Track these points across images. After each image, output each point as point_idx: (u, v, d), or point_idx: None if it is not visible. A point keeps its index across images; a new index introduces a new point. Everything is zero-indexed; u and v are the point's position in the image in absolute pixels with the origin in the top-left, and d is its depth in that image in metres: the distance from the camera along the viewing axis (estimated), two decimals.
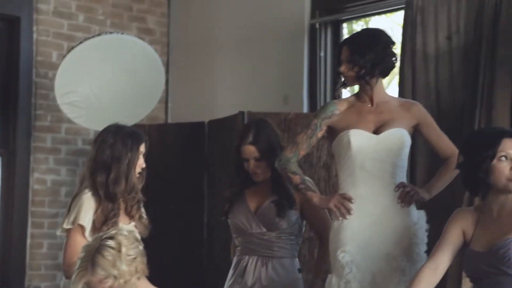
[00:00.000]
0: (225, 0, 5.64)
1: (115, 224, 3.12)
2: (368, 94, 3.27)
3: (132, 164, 3.23)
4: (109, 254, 2.53)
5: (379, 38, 3.23)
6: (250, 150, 3.43)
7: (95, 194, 3.18)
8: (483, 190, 2.81)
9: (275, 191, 3.44)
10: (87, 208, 3.17)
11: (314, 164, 4.51)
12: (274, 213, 3.42)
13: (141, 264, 2.61)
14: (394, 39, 3.32)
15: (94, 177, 3.20)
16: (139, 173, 3.28)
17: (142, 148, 3.27)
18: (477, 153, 2.76)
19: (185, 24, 5.90)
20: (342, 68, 3.25)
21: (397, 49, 3.32)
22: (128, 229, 2.75)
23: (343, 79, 3.32)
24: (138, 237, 2.73)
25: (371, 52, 3.18)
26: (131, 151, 3.22)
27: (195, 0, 5.87)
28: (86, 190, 3.20)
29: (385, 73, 3.27)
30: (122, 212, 3.24)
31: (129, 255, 2.56)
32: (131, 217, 3.29)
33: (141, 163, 3.28)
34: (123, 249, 2.55)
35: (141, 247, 2.65)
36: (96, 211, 3.18)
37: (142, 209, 3.33)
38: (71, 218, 3.16)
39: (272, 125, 3.54)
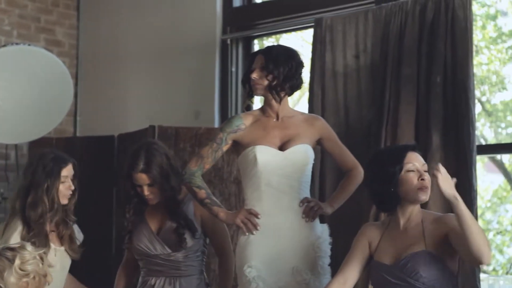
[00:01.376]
0: (136, 14, 5.60)
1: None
2: (273, 108, 3.30)
3: (52, 188, 3.27)
4: (1, 263, 2.57)
5: (295, 55, 3.31)
6: (142, 178, 3.41)
7: (19, 218, 3.30)
8: (393, 204, 2.90)
9: (171, 216, 3.43)
10: (13, 231, 3.28)
11: (225, 179, 4.52)
12: (179, 241, 3.41)
13: (37, 283, 2.61)
14: (303, 57, 3.40)
15: (16, 202, 3.33)
16: (71, 194, 3.41)
17: (66, 172, 3.36)
18: (386, 168, 2.86)
19: (95, 36, 5.82)
20: (254, 75, 3.28)
21: (305, 67, 3.37)
22: (35, 248, 2.75)
23: (252, 89, 3.35)
24: (45, 258, 2.73)
25: (285, 65, 3.24)
26: (51, 176, 3.28)
27: (105, 13, 5.80)
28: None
29: (293, 90, 3.32)
30: (54, 234, 3.37)
31: (22, 270, 2.59)
32: (61, 239, 3.39)
33: (67, 186, 3.33)
34: (17, 262, 2.59)
35: (46, 268, 2.65)
36: (22, 234, 3.28)
37: (76, 232, 3.37)
38: (2, 241, 3.26)
39: (162, 147, 3.51)
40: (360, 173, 3.31)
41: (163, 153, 3.47)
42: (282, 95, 3.29)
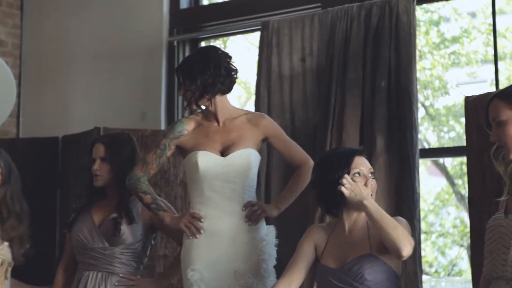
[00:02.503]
0: (81, 14, 5.54)
1: None
2: (213, 113, 3.29)
3: None
4: None
5: (208, 59, 3.23)
6: (99, 148, 3.42)
7: None
8: (338, 208, 2.92)
9: (117, 207, 3.41)
10: None
11: (171, 182, 4.50)
12: (113, 229, 3.39)
13: None
14: (240, 57, 3.34)
15: None
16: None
17: None
18: (333, 171, 2.87)
19: (39, 36, 5.73)
20: (179, 92, 3.30)
21: (235, 63, 3.29)
22: None
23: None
24: None
25: (201, 76, 3.19)
26: None
27: (50, 12, 5.72)
28: None
29: (225, 91, 3.27)
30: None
31: None
32: (4, 236, 3.41)
33: None
34: None
35: None
36: None
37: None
38: None
39: (135, 143, 3.51)
40: (311, 168, 3.26)
41: (132, 145, 3.47)
42: (214, 101, 3.26)
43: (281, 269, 3.08)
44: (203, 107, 3.31)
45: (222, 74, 3.23)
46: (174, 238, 3.52)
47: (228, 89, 3.29)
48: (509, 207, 2.58)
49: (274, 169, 4.29)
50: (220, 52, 3.29)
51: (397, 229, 2.71)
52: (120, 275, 3.36)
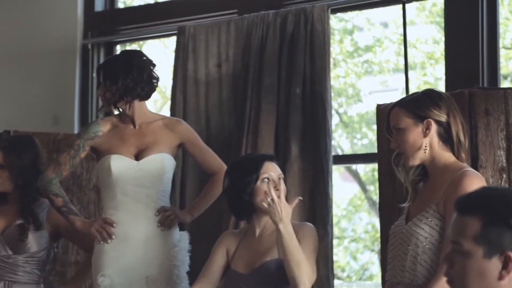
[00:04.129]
0: None
1: None
2: (129, 116, 3.27)
3: None
4: None
5: (132, 63, 3.21)
6: None
7: None
8: (248, 213, 2.93)
9: (21, 213, 3.33)
10: None
11: (84, 186, 4.42)
12: (19, 236, 3.30)
13: None
14: (157, 61, 3.33)
15: None
16: None
17: None
18: (242, 177, 2.89)
19: None
20: (98, 91, 3.26)
21: (158, 70, 3.31)
22: None
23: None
24: None
25: (123, 79, 3.18)
26: None
27: None
28: None
29: (143, 97, 3.26)
30: None
31: None
32: None
33: None
34: None
35: None
36: None
37: None
38: None
39: (38, 146, 3.41)
40: None
41: (35, 148, 3.36)
42: (133, 105, 3.24)
43: (195, 275, 3.07)
44: (119, 109, 3.28)
45: (144, 80, 3.22)
46: (81, 244, 3.46)
47: (147, 95, 3.27)
48: (411, 213, 2.66)
49: (189, 174, 4.28)
50: (144, 58, 3.28)
51: (300, 266, 2.72)
52: None
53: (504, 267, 1.73)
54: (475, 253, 1.72)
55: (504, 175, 3.04)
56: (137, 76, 3.20)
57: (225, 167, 3.26)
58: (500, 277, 1.74)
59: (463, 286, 1.75)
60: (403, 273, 2.55)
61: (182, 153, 4.17)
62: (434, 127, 2.60)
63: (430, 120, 2.60)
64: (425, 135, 2.60)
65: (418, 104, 2.63)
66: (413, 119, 2.61)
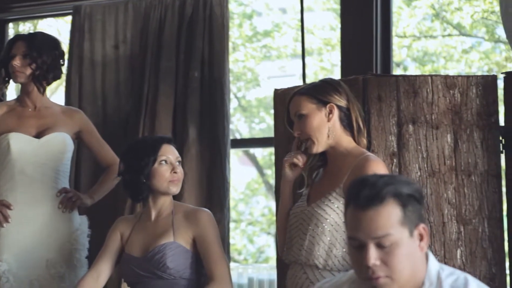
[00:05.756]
0: None
1: None
2: (32, 98, 3.22)
3: None
4: None
5: (58, 44, 3.26)
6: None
7: None
8: (144, 195, 2.92)
9: None
10: None
11: None
12: None
13: None
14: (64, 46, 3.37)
15: None
16: None
17: None
18: (140, 158, 2.87)
19: None
20: (16, 62, 3.18)
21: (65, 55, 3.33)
22: None
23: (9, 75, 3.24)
24: None
25: (49, 54, 3.18)
26: None
27: None
28: None
29: (54, 79, 3.27)
30: None
31: None
32: None
33: None
34: None
35: None
36: None
37: None
38: None
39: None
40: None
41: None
42: (45, 84, 3.21)
43: (91, 260, 3.04)
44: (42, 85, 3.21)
45: (61, 64, 3.27)
46: None
47: (55, 80, 3.27)
48: (311, 196, 2.70)
49: (85, 158, 4.21)
50: (62, 45, 3.31)
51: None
52: None
53: (421, 239, 1.83)
54: (403, 237, 1.79)
55: (395, 160, 3.14)
56: (59, 58, 3.23)
57: (118, 160, 3.26)
58: (421, 250, 1.83)
59: (400, 275, 1.79)
60: (301, 252, 2.60)
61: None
62: (336, 112, 2.65)
63: (333, 104, 2.64)
64: (328, 119, 2.64)
65: (319, 90, 2.67)
66: (315, 104, 2.65)
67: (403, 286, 1.80)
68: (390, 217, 1.77)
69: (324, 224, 2.56)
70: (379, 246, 1.78)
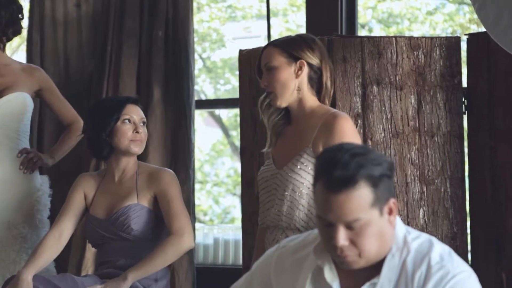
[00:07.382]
0: None
1: None
2: None
3: None
4: None
5: None
6: None
7: None
8: (105, 153, 2.90)
9: None
10: None
11: None
12: None
13: None
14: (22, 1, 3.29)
15: None
16: None
17: None
18: (103, 116, 2.85)
19: None
20: None
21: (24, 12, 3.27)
22: None
23: None
24: None
25: (7, 9, 3.12)
26: None
27: None
28: None
29: (14, 35, 3.20)
30: None
31: None
32: None
33: None
34: None
35: None
36: None
37: None
38: None
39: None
40: (80, 127, 3.24)
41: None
42: (5, 40, 3.15)
43: (53, 219, 3.02)
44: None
45: (21, 18, 3.18)
46: None
47: (15, 35, 3.21)
48: (278, 158, 2.67)
49: (47, 118, 4.16)
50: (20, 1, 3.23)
51: (165, 260, 2.77)
52: None
53: (390, 213, 1.80)
54: (373, 217, 1.75)
55: (359, 121, 3.16)
56: (17, 13, 3.16)
57: (80, 119, 3.24)
58: (390, 224, 1.81)
59: (368, 253, 1.77)
60: (280, 217, 2.57)
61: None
62: (306, 69, 2.61)
63: (303, 61, 2.60)
64: (296, 75, 2.60)
65: (292, 44, 2.63)
66: (286, 58, 2.60)
67: (372, 260, 1.80)
68: (361, 201, 1.72)
69: (301, 189, 2.53)
70: (349, 227, 1.74)
